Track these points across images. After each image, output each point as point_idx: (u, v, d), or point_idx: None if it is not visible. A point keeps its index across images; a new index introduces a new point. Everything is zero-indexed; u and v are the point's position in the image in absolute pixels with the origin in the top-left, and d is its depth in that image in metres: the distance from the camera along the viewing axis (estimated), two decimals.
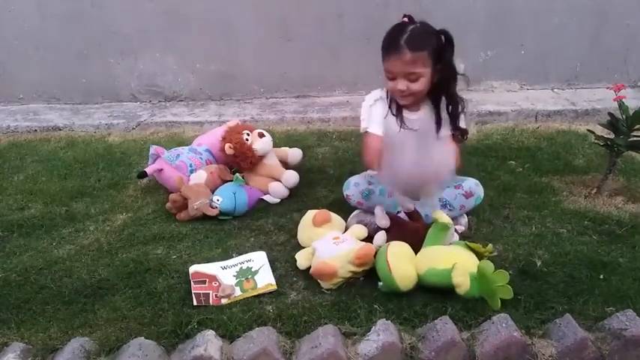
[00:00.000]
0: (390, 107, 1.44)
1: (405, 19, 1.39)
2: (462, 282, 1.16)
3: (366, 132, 1.42)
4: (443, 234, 1.29)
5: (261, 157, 1.75)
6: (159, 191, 1.79)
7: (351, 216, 1.50)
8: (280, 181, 1.73)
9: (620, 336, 1.08)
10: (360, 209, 1.52)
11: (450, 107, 1.42)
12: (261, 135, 1.74)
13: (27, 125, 2.50)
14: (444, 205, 1.41)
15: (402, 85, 1.36)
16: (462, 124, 1.45)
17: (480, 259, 1.25)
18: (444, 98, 1.41)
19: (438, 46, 1.34)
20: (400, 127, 1.42)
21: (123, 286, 1.31)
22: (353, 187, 1.50)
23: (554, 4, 2.55)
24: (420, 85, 1.36)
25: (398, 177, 1.31)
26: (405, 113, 1.44)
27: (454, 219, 1.43)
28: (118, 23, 2.61)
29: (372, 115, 1.43)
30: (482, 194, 1.47)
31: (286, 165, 1.85)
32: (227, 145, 1.71)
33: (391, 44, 1.34)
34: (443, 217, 1.30)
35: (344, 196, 1.54)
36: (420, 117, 1.44)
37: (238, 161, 1.74)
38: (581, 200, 1.66)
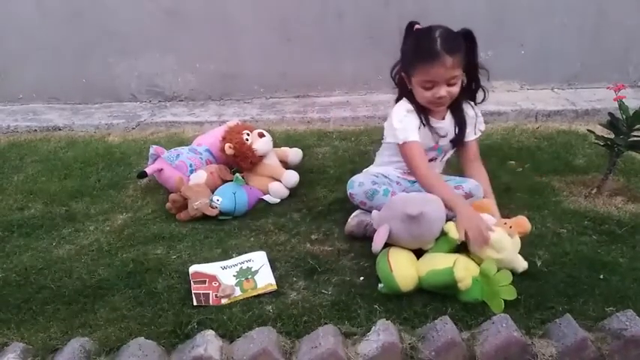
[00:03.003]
0: (421, 119, 1.46)
1: (418, 26, 1.40)
2: (464, 276, 1.16)
3: (405, 143, 1.42)
4: (449, 247, 1.28)
5: (261, 157, 1.75)
6: (159, 191, 1.79)
7: (351, 216, 1.50)
8: (280, 181, 1.72)
9: (620, 336, 1.08)
10: (361, 209, 1.51)
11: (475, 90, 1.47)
12: (261, 135, 1.74)
13: (27, 125, 2.50)
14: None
15: (443, 91, 1.37)
16: (478, 131, 1.55)
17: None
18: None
19: (466, 48, 1.36)
20: (432, 138, 1.48)
21: (123, 286, 1.30)
22: (357, 187, 1.49)
23: (554, 3, 2.54)
24: (457, 87, 1.40)
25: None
26: (432, 122, 1.48)
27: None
28: (118, 23, 2.61)
29: (408, 125, 1.43)
30: (482, 196, 1.47)
31: (286, 165, 1.85)
32: (227, 145, 1.71)
33: (429, 53, 1.33)
34: (454, 231, 1.26)
35: (347, 194, 1.53)
36: (446, 125, 1.50)
37: (238, 161, 1.74)
38: (581, 200, 1.66)
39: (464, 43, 1.37)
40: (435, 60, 1.32)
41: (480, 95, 1.50)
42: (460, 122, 1.50)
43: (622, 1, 2.54)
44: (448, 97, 1.39)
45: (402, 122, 1.44)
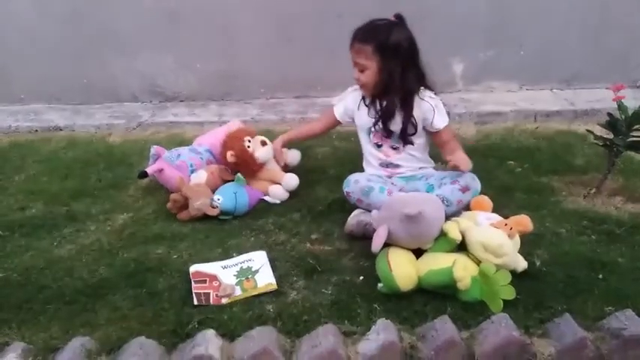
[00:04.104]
0: (363, 98, 1.60)
1: (392, 18, 1.50)
2: (463, 276, 1.16)
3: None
4: (448, 247, 1.29)
5: (262, 165, 1.75)
6: (159, 191, 1.79)
7: (350, 216, 1.51)
8: (280, 185, 1.73)
9: (619, 335, 1.09)
10: (360, 208, 1.52)
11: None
12: (263, 143, 1.73)
13: (28, 125, 2.50)
14: (442, 201, 1.42)
15: (355, 73, 1.53)
16: (439, 123, 1.55)
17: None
18: (417, 97, 1.53)
19: (382, 45, 1.46)
20: (369, 114, 1.58)
21: (124, 285, 1.31)
22: (353, 184, 1.51)
23: (554, 3, 2.54)
24: (366, 77, 1.50)
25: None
26: (378, 102, 1.56)
27: (452, 216, 1.44)
28: (119, 23, 2.61)
29: (346, 98, 1.68)
30: (479, 188, 1.48)
31: (285, 166, 1.85)
32: (229, 154, 1.70)
33: (351, 39, 1.52)
34: (454, 232, 1.27)
35: (344, 194, 1.54)
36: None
37: (240, 168, 1.73)
38: (581, 200, 1.66)
39: (383, 40, 1.45)
40: (351, 42, 1.52)
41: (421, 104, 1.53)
42: (405, 116, 1.53)
43: (622, 1, 2.55)
44: (359, 81, 1.52)
45: (342, 94, 1.70)
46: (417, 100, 1.53)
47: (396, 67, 1.47)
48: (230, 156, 1.70)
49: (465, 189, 1.45)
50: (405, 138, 1.56)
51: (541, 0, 2.54)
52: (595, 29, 2.58)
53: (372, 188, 1.48)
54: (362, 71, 1.50)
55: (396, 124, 1.55)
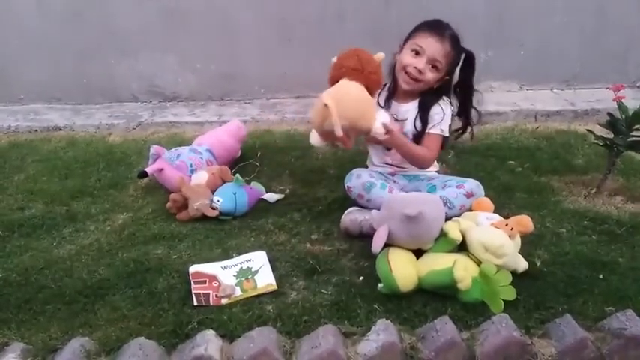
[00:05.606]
0: (378, 98, 1.57)
1: None
2: (464, 276, 1.16)
3: None
4: (448, 247, 1.29)
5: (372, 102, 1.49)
6: (159, 191, 1.79)
7: (345, 213, 1.50)
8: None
9: (619, 335, 1.09)
10: (360, 204, 1.52)
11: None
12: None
13: (28, 125, 2.50)
14: (444, 203, 1.42)
15: (422, 63, 1.46)
16: (434, 130, 1.54)
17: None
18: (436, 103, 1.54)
19: (457, 59, 1.49)
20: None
21: (123, 285, 1.31)
22: (355, 179, 1.51)
23: (553, 3, 2.55)
24: (433, 77, 1.49)
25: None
26: (395, 105, 1.57)
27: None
28: (119, 23, 2.61)
29: None
30: (483, 195, 1.49)
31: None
32: (380, 55, 1.48)
33: (438, 28, 1.48)
34: (454, 232, 1.27)
35: (345, 189, 1.54)
36: (408, 109, 1.55)
37: (371, 76, 1.47)
38: (581, 200, 1.66)
39: (460, 56, 1.50)
40: (438, 34, 1.45)
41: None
42: (422, 117, 1.53)
43: (621, 1, 2.55)
44: (421, 75, 1.46)
45: None
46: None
47: (455, 82, 1.52)
48: (379, 56, 1.49)
49: (469, 195, 1.45)
50: (419, 138, 1.55)
51: (541, 0, 2.55)
52: (595, 29, 2.59)
53: (373, 184, 1.48)
54: (432, 70, 1.47)
55: (410, 124, 1.55)
